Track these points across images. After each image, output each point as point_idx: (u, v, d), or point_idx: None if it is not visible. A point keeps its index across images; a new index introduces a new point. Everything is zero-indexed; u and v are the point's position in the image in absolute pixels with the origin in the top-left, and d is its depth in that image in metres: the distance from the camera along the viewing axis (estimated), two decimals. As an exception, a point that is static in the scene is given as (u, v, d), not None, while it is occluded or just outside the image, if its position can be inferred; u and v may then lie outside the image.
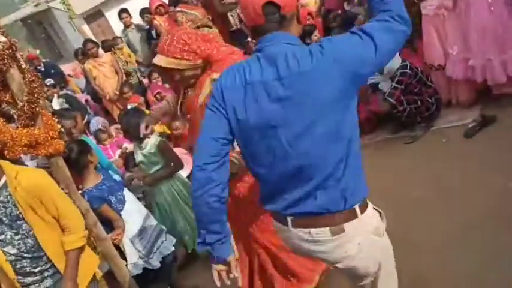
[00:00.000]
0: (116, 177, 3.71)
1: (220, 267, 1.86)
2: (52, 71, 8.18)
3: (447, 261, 2.75)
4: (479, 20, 3.89)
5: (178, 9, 6.80)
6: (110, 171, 3.66)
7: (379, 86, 4.42)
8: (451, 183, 3.35)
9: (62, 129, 2.78)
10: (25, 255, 2.32)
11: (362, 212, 1.79)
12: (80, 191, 3.16)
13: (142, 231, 3.30)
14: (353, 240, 1.79)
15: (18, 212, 2.27)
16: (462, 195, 3.20)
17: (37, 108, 2.51)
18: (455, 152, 3.84)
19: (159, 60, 2.48)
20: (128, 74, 7.42)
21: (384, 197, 3.60)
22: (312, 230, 1.79)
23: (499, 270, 2.54)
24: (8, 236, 2.29)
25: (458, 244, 2.83)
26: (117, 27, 14.73)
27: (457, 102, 4.42)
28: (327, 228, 1.76)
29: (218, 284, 1.87)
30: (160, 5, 7.35)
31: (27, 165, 3.50)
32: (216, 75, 2.38)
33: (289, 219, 1.83)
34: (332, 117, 1.65)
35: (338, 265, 1.85)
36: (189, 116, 2.73)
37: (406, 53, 4.68)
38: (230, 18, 6.81)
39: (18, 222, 2.28)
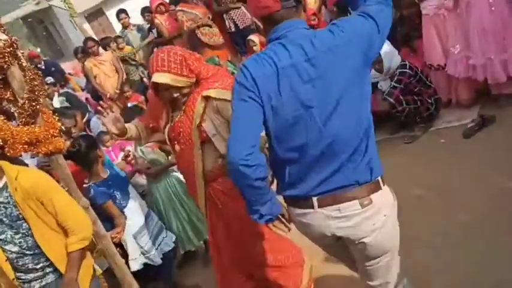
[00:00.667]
0: (122, 173, 3.72)
1: (277, 221, 2.00)
2: (53, 69, 8.20)
3: (446, 261, 2.76)
4: (480, 19, 3.89)
5: (178, 8, 6.81)
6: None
7: (378, 85, 4.42)
8: (450, 183, 3.36)
9: (63, 128, 2.79)
10: (27, 252, 2.33)
11: (383, 185, 1.89)
12: (85, 185, 3.19)
13: (144, 227, 3.34)
14: (380, 211, 1.87)
15: (18, 213, 2.28)
16: (461, 195, 3.20)
17: (38, 106, 2.52)
18: (454, 152, 3.85)
19: (160, 77, 2.33)
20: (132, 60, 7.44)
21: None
22: (341, 206, 1.84)
23: (498, 271, 2.54)
24: (9, 236, 2.30)
25: (458, 244, 2.83)
26: (118, 26, 14.74)
27: (457, 101, 4.43)
28: (356, 201, 1.83)
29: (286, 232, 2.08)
30: (160, 4, 7.34)
31: (27, 164, 3.52)
32: (206, 93, 2.40)
33: (314, 199, 1.86)
34: (355, 91, 1.76)
35: (364, 240, 1.88)
36: (175, 142, 2.58)
37: (406, 53, 4.69)
38: (226, 21, 6.81)
39: (18, 222, 2.29)
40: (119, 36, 7.85)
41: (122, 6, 8.39)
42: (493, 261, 2.61)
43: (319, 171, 1.82)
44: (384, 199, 1.89)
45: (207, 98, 2.42)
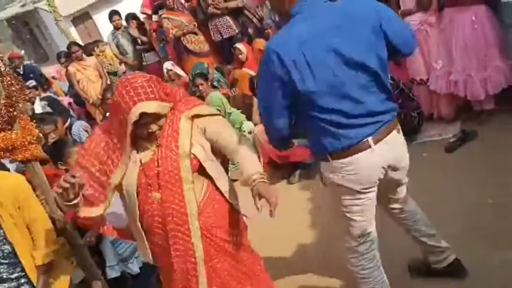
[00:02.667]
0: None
1: None
2: (31, 75, 8.02)
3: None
4: (463, 36, 3.95)
5: (164, 15, 6.81)
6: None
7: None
8: (431, 197, 3.37)
9: (40, 134, 2.75)
10: (2, 261, 2.29)
11: None
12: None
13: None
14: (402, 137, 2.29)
15: None
16: (442, 209, 3.21)
17: (15, 112, 2.48)
18: (437, 166, 3.87)
19: (151, 105, 1.92)
20: (114, 74, 7.40)
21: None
22: (388, 137, 2.13)
23: (479, 285, 2.56)
24: None
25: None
26: (104, 30, 14.66)
27: (439, 116, 4.47)
28: (395, 131, 2.18)
29: None
30: (146, 13, 7.43)
31: (8, 168, 3.46)
32: (189, 112, 2.08)
33: (369, 139, 2.08)
34: (379, 49, 2.03)
35: (402, 163, 2.29)
36: (150, 189, 2.06)
37: (391, 66, 4.72)
38: (211, 31, 6.82)
39: None
40: (99, 40, 7.81)
41: (108, 10, 8.31)
42: (475, 275, 2.62)
43: (369, 113, 2.06)
44: None
45: (192, 118, 2.09)
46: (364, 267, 2.37)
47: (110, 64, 7.50)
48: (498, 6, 3.83)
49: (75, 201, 1.88)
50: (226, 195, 2.19)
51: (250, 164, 2.04)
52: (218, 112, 2.24)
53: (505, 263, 2.65)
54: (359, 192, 2.20)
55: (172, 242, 2.08)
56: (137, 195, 2.05)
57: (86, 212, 2.03)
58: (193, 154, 2.05)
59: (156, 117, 1.96)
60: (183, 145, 2.03)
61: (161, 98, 1.95)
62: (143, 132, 1.97)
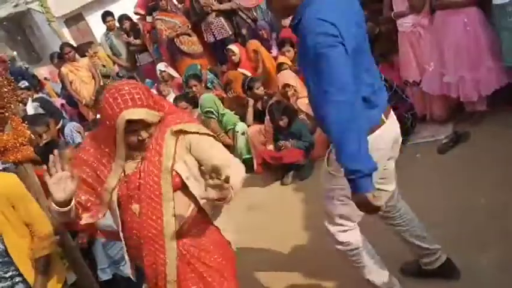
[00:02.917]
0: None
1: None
2: (19, 77, 7.92)
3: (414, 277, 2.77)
4: (455, 37, 3.97)
5: (157, 16, 6.80)
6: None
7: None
8: (423, 198, 3.38)
9: (32, 136, 2.73)
10: None
11: None
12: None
13: (116, 236, 3.26)
14: None
15: None
16: (434, 210, 3.22)
17: (6, 114, 2.47)
18: (429, 167, 3.89)
19: (139, 113, 1.86)
20: (106, 77, 7.37)
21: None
22: (391, 114, 2.27)
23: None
24: None
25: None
26: (97, 31, 14.61)
27: (431, 118, 4.49)
28: (391, 109, 2.29)
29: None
30: (140, 13, 7.41)
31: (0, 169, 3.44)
32: (176, 127, 1.99)
33: (382, 115, 2.18)
34: None
35: (400, 139, 2.38)
36: (131, 201, 2.01)
37: (383, 68, 4.74)
38: (204, 32, 6.81)
39: None
40: (91, 42, 7.79)
41: (102, 11, 8.28)
42: (466, 276, 2.63)
43: (379, 93, 2.18)
44: None
45: (177, 133, 2.01)
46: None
47: (104, 66, 7.47)
48: (489, 8, 3.85)
49: (68, 208, 1.81)
50: (212, 217, 2.11)
51: (235, 171, 1.92)
52: (208, 132, 2.09)
53: (497, 264, 2.66)
54: None
55: (145, 254, 2.03)
56: (119, 206, 2.02)
57: (85, 218, 2.01)
58: (175, 171, 1.97)
59: (146, 124, 1.90)
60: (166, 161, 1.96)
61: (149, 106, 1.89)
62: (134, 140, 1.91)
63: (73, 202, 1.83)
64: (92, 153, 2.01)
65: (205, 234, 2.09)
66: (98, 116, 5.84)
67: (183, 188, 1.99)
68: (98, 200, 2.02)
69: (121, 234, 2.07)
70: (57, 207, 1.79)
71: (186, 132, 2.01)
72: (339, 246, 2.45)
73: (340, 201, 2.32)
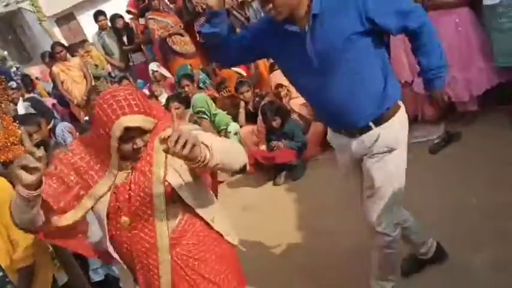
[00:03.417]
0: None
1: None
2: (7, 78, 7.88)
3: (412, 276, 2.79)
4: (446, 38, 3.98)
5: (150, 16, 6.78)
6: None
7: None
8: (417, 198, 3.39)
9: (24, 135, 2.71)
10: None
11: None
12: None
13: (106, 235, 3.23)
14: None
15: None
16: (426, 210, 3.24)
17: (-4, 113, 2.45)
18: (421, 167, 3.89)
19: (136, 119, 1.74)
20: (97, 78, 7.34)
21: (348, 211, 3.64)
22: None
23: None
24: None
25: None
26: (89, 30, 14.54)
27: (423, 118, 4.51)
28: None
29: None
30: (131, 12, 7.37)
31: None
32: (164, 134, 1.71)
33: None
34: None
35: None
36: (120, 214, 1.89)
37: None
38: (196, 33, 6.78)
39: None
40: (85, 40, 7.76)
41: (93, 11, 8.25)
42: (460, 275, 2.65)
43: None
44: None
45: (165, 140, 1.75)
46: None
47: (96, 65, 7.43)
48: (481, 9, 3.88)
49: (37, 191, 1.62)
50: (213, 223, 2.00)
51: (223, 143, 1.87)
52: (196, 127, 2.02)
53: (491, 263, 2.68)
54: None
55: (138, 268, 1.95)
56: (107, 219, 1.90)
57: (60, 220, 1.85)
58: (167, 181, 1.86)
59: (142, 132, 1.78)
60: (157, 170, 1.85)
61: (146, 112, 1.77)
62: (128, 148, 1.79)
63: (43, 186, 1.65)
64: (82, 157, 1.88)
65: (205, 245, 1.98)
66: (87, 118, 5.81)
67: (175, 197, 1.89)
68: (74, 202, 1.87)
69: (110, 248, 1.94)
70: (26, 190, 1.59)
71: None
72: (395, 244, 2.42)
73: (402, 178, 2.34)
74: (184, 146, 1.53)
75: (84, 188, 1.87)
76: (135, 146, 1.79)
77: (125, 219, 1.88)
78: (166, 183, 1.85)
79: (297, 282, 3.17)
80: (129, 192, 1.86)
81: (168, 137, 1.54)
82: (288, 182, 4.74)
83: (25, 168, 1.55)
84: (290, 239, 3.64)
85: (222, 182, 4.91)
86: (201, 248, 1.96)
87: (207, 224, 1.98)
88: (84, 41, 7.92)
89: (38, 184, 1.62)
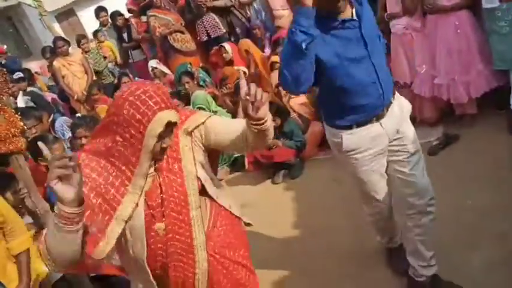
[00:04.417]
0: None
1: None
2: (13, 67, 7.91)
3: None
4: (446, 40, 4.01)
5: (151, 13, 6.77)
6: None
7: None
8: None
9: (25, 127, 2.72)
10: None
11: None
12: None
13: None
14: None
15: None
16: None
17: (-1, 104, 2.46)
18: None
19: (172, 115, 1.63)
20: (99, 73, 7.34)
21: (345, 210, 3.66)
22: None
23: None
24: None
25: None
26: (89, 26, 14.53)
27: (422, 120, 4.52)
28: None
29: None
30: (132, 10, 7.37)
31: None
32: (187, 127, 1.81)
33: None
34: None
35: None
36: (153, 221, 1.75)
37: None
38: (198, 31, 6.79)
39: None
40: (98, 31, 7.76)
41: (93, 7, 8.25)
42: (456, 275, 2.65)
43: None
44: None
45: (191, 133, 1.83)
46: None
47: (104, 57, 7.43)
48: (480, 12, 3.91)
49: (81, 208, 1.42)
50: (231, 209, 1.99)
51: None
52: (210, 114, 1.94)
53: (488, 264, 2.70)
54: None
55: (171, 271, 1.82)
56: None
57: (95, 253, 1.61)
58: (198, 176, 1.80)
59: (171, 129, 1.67)
60: (188, 165, 1.77)
61: (175, 108, 1.67)
62: (157, 148, 1.65)
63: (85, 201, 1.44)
64: (99, 173, 1.65)
65: (231, 231, 1.97)
66: (79, 114, 5.77)
67: (201, 191, 1.84)
68: (101, 232, 1.63)
69: (144, 264, 1.77)
70: (67, 208, 1.38)
71: (200, 126, 1.83)
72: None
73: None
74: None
75: (107, 212, 1.64)
76: (164, 145, 1.66)
77: (159, 225, 1.75)
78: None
79: (294, 280, 3.18)
80: (161, 195, 1.74)
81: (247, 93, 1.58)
82: (286, 181, 4.75)
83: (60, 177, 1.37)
84: (287, 237, 3.65)
85: (221, 180, 4.92)
86: (229, 235, 1.95)
87: (227, 210, 1.97)
88: (83, 36, 7.87)
89: (81, 198, 1.41)
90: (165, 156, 1.74)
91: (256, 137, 1.74)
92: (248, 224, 2.12)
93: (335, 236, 3.42)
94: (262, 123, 1.66)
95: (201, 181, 1.82)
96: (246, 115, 1.64)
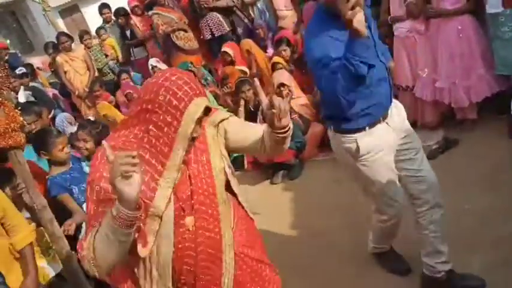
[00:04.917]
0: (87, 169, 3.63)
1: None
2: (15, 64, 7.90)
3: (406, 280, 2.82)
4: (448, 44, 4.01)
5: (154, 11, 6.76)
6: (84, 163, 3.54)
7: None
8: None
9: (25, 123, 2.72)
10: None
11: None
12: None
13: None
14: None
15: None
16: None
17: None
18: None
19: (208, 102, 1.59)
20: (99, 70, 7.34)
21: (344, 211, 3.66)
22: None
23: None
24: None
25: (417, 267, 2.85)
26: (93, 23, 14.54)
27: (422, 123, 4.52)
28: None
29: None
30: (137, 6, 7.32)
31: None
32: (214, 119, 1.78)
33: None
34: None
35: None
36: (183, 215, 1.66)
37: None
38: (202, 29, 6.78)
39: None
40: (101, 28, 7.74)
41: (97, 4, 8.25)
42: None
43: None
44: None
45: (218, 125, 1.79)
46: None
47: (106, 55, 7.43)
48: (483, 17, 3.90)
49: (140, 211, 1.38)
50: (247, 209, 1.96)
51: None
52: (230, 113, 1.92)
53: (486, 267, 2.70)
54: None
55: (199, 272, 1.71)
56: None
57: (143, 251, 1.57)
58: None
59: (201, 119, 1.59)
60: (215, 158, 1.73)
61: (206, 95, 1.60)
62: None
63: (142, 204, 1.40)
64: None
65: (250, 228, 1.95)
66: (91, 117, 5.76)
67: (226, 186, 1.80)
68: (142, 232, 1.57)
69: (170, 268, 1.67)
70: (127, 211, 1.34)
71: (222, 121, 1.81)
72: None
73: None
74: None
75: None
76: (195, 135, 1.59)
77: (189, 219, 1.66)
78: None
79: (294, 280, 3.17)
80: (191, 187, 1.66)
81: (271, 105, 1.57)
82: (285, 181, 4.75)
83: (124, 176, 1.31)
84: (285, 237, 3.65)
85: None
86: (249, 233, 1.91)
87: (243, 208, 1.95)
88: (86, 32, 7.87)
89: (139, 200, 1.37)
90: (193, 148, 1.67)
91: (276, 143, 1.73)
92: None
93: (334, 237, 3.42)
94: (287, 131, 1.67)
95: (226, 175, 1.79)
96: (271, 126, 1.64)
